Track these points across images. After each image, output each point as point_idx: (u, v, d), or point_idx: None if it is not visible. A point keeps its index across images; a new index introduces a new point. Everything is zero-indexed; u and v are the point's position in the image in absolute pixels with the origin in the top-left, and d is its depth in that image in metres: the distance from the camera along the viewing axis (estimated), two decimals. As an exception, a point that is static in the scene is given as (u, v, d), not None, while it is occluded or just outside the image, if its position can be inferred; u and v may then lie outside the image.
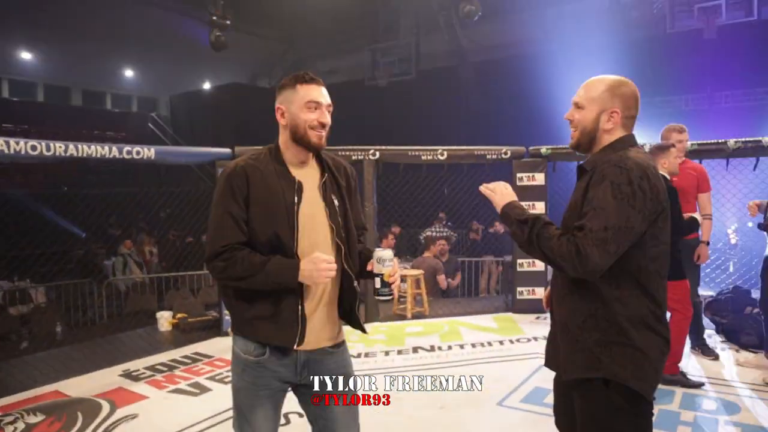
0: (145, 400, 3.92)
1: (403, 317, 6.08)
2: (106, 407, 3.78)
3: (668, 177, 4.04)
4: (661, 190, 1.80)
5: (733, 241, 10.64)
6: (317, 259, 1.86)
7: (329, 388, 2.02)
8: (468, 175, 6.23)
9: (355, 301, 2.08)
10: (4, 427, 3.47)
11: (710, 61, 11.25)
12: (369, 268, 1.99)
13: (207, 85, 21.80)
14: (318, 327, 1.98)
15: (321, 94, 1.98)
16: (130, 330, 6.00)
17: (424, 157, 5.83)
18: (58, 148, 4.17)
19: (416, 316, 6.09)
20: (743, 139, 5.22)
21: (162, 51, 18.52)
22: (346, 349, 2.13)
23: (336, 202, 2.02)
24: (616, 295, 1.78)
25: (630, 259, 1.76)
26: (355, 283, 2.04)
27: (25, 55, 19.34)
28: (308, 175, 2.02)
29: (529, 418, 3.56)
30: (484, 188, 2.05)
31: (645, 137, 5.49)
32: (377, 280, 1.94)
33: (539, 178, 6.00)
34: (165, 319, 5.78)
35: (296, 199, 1.93)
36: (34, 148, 4.03)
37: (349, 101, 15.67)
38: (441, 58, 14.97)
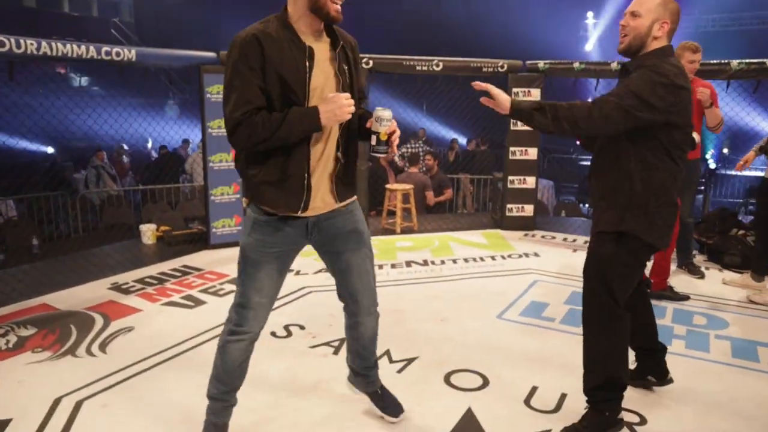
0: (139, 313, 3.83)
1: (392, 232, 6.04)
2: (99, 320, 3.69)
3: None
4: (686, 88, 2.17)
5: (711, 166, 10.82)
6: (336, 97, 1.93)
7: (339, 242, 2.19)
8: (449, 91, 6.04)
9: (354, 170, 2.21)
10: (-4, 340, 3.36)
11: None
12: (368, 125, 2.07)
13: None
14: (323, 192, 2.09)
15: None
16: (111, 243, 5.83)
17: (418, 68, 5.59)
18: (30, 45, 3.81)
19: (405, 231, 6.06)
20: (747, 61, 5.11)
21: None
22: (357, 207, 2.26)
23: (346, 72, 2.08)
24: (640, 173, 2.22)
25: (656, 140, 2.19)
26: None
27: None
28: (321, 45, 2.03)
29: (528, 330, 3.61)
30: (480, 85, 2.22)
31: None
32: (374, 138, 2.06)
33: (535, 93, 5.84)
34: (149, 232, 5.60)
35: (308, 65, 1.96)
36: (2, 44, 3.67)
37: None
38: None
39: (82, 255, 5.23)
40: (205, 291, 4.24)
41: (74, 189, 9.40)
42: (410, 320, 3.71)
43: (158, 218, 7.52)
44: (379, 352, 3.05)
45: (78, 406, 2.66)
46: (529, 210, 6.15)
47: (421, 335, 3.48)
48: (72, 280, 4.43)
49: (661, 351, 2.78)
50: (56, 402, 2.68)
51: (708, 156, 11.46)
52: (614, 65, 5.45)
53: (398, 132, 2.07)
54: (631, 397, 2.72)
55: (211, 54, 4.92)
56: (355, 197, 2.24)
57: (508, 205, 6.15)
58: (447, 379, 2.93)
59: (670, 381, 2.79)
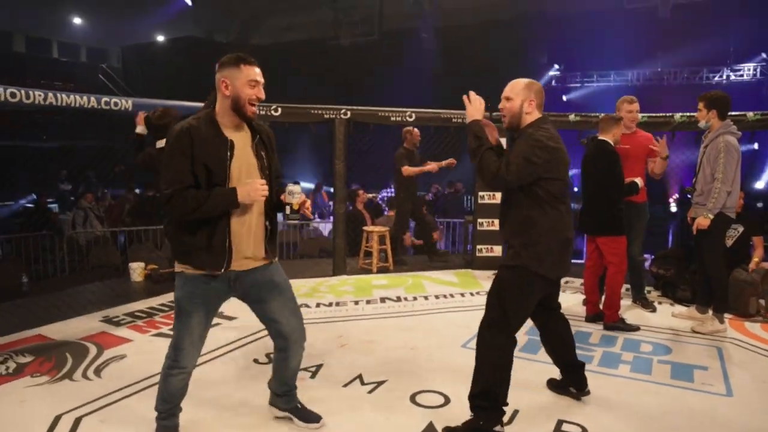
0: (130, 342, 4.11)
1: (368, 271, 6.39)
2: (93, 349, 3.96)
3: (612, 144, 4.50)
4: (558, 149, 2.72)
5: (673, 209, 11.41)
6: (252, 182, 2.42)
7: (262, 292, 2.63)
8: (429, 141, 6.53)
9: (275, 235, 2.67)
10: (-4, 366, 3.62)
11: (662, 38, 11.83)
12: (282, 197, 2.57)
13: (161, 38, 21.07)
14: (244, 253, 2.53)
15: (259, 74, 2.49)
16: (101, 280, 6.09)
17: (393, 118, 6.06)
18: (38, 96, 4.20)
19: (381, 270, 6.41)
20: (688, 114, 5.67)
21: (112, 0, 17.81)
22: (277, 265, 2.71)
23: (264, 158, 2.57)
24: (532, 218, 2.73)
25: (541, 190, 2.71)
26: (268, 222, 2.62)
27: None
28: (241, 137, 2.52)
29: (490, 358, 3.95)
30: (467, 98, 2.87)
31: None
32: (287, 208, 2.57)
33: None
34: (138, 269, 5.89)
35: (229, 155, 2.44)
36: (13, 95, 4.05)
37: (311, 59, 15.68)
38: (405, 20, 15.01)
39: (74, 291, 5.51)
40: (191, 323, 4.53)
41: (59, 229, 9.64)
42: (382, 349, 4.05)
43: (145, 258, 7.81)
44: (351, 376, 3.43)
45: (77, 421, 2.93)
46: (497, 250, 6.56)
47: (391, 362, 3.80)
48: (65, 314, 4.70)
49: (580, 367, 3.24)
50: (57, 418, 2.95)
51: (671, 200, 12.06)
52: (572, 117, 5.99)
53: (308, 202, 2.59)
54: (574, 410, 3.08)
55: (200, 104, 5.35)
56: (276, 257, 2.70)
57: (478, 246, 6.57)
58: (413, 398, 3.25)
59: (588, 393, 3.26)
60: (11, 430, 2.82)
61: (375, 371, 3.60)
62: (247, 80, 2.44)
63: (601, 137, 4.59)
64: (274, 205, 2.62)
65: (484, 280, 6.16)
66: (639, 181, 4.65)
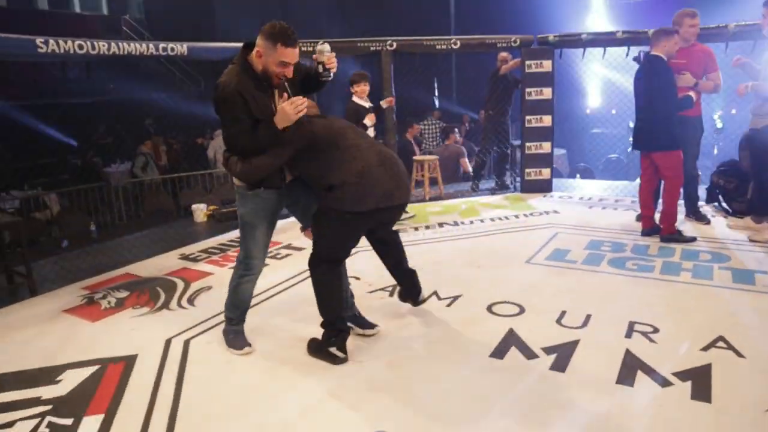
0: (212, 275, 4.39)
1: (421, 200, 6.56)
2: (180, 283, 4.26)
3: (665, 59, 4.45)
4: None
5: (719, 125, 11.19)
6: (281, 108, 2.66)
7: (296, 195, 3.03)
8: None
9: None
10: (99, 302, 3.94)
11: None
12: (313, 57, 2.78)
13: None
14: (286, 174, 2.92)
15: (293, 54, 2.64)
16: (163, 224, 6.40)
17: (438, 47, 6.05)
18: (102, 46, 4.34)
19: (433, 198, 6.58)
20: (743, 23, 5.51)
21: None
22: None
23: (287, 90, 2.81)
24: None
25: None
26: None
27: (-17, -45, 18.12)
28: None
29: (554, 270, 4.14)
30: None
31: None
32: (320, 66, 2.78)
33: (546, 65, 6.30)
34: (200, 211, 6.16)
35: (272, 101, 2.77)
36: (81, 47, 4.20)
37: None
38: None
39: (143, 235, 5.82)
40: (264, 256, 4.79)
41: (107, 181, 10.00)
42: (449, 268, 4.26)
43: (198, 201, 8.11)
44: (427, 292, 3.61)
45: (187, 343, 3.23)
46: (546, 173, 6.64)
47: (461, 278, 4.02)
48: (144, 254, 5.01)
49: (410, 277, 3.42)
50: (168, 341, 3.25)
51: (716, 117, 11.79)
52: (619, 34, 5.89)
53: (335, 61, 2.81)
54: (644, 312, 3.26)
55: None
56: None
57: (527, 170, 6.65)
58: (489, 309, 3.47)
59: (423, 302, 3.47)
60: (130, 352, 3.13)
61: (448, 287, 3.82)
62: (278, 60, 2.63)
63: (653, 52, 4.55)
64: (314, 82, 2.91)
65: (534, 201, 6.28)
66: (693, 95, 4.62)
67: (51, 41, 4.01)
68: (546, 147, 6.55)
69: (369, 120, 4.95)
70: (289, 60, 2.65)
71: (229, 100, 2.66)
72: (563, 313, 3.37)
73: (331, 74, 2.82)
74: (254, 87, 2.69)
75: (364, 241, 4.93)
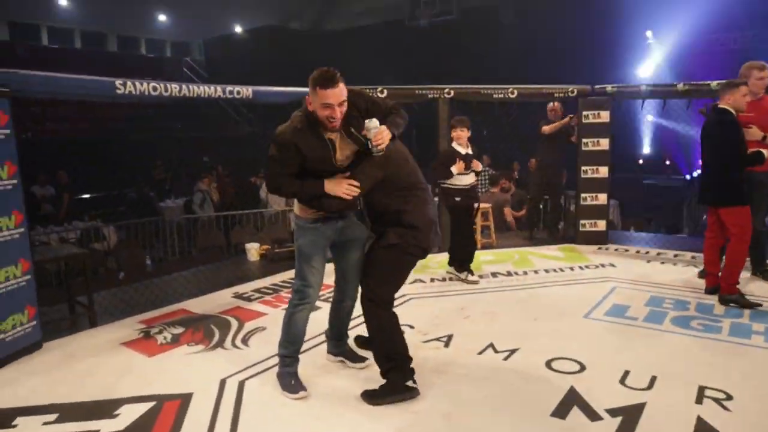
0: (266, 316, 4.42)
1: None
2: (234, 322, 4.29)
3: (733, 112, 4.33)
4: None
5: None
6: (341, 180, 2.81)
7: (354, 243, 3.13)
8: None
9: None
10: (155, 336, 4.00)
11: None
12: (362, 132, 2.77)
13: (239, 29, 21.76)
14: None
15: (334, 95, 2.65)
16: (217, 261, 6.52)
17: (495, 95, 6.09)
18: (174, 89, 4.54)
19: (485, 247, 6.50)
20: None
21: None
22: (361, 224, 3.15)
23: (356, 135, 2.81)
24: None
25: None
26: None
27: (62, 2, 19.49)
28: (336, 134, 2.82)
29: (614, 327, 4.00)
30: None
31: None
32: (368, 142, 2.75)
33: (604, 116, 6.24)
34: (254, 250, 6.26)
35: (332, 152, 2.81)
36: (155, 89, 4.40)
37: (390, 42, 15.79)
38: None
39: (198, 271, 5.93)
40: (316, 298, 4.79)
41: (161, 216, 10.31)
42: (505, 319, 4.16)
43: (248, 239, 8.26)
44: (483, 345, 3.54)
45: (241, 384, 3.22)
46: (601, 225, 6.49)
47: (518, 331, 3.91)
48: (200, 290, 5.10)
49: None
50: (223, 382, 3.26)
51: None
52: (680, 86, 5.81)
53: (385, 134, 2.75)
54: (716, 376, 3.09)
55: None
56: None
57: (581, 221, 6.52)
58: (548, 365, 3.36)
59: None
60: (186, 390, 3.15)
61: (505, 340, 3.72)
62: (321, 103, 2.67)
63: (721, 105, 4.45)
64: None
65: (589, 254, 6.13)
66: (765, 152, 4.47)
67: (129, 83, 4.22)
68: (602, 198, 6.42)
69: (456, 168, 5.00)
70: (331, 101, 2.66)
71: (281, 147, 2.77)
72: (626, 372, 3.23)
73: (381, 150, 2.77)
74: (311, 134, 2.76)
75: (415, 288, 4.92)
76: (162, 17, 21.97)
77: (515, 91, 6.14)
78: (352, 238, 3.11)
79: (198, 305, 4.74)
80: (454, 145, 5.11)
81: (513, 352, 3.56)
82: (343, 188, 2.79)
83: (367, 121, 2.73)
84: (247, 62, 18.64)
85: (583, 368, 3.31)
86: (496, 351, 3.58)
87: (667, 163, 14.69)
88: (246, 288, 5.21)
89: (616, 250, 6.33)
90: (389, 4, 16.86)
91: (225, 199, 10.48)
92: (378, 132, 2.74)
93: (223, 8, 19.94)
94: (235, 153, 14.89)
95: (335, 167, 2.85)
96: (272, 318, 4.35)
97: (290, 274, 5.69)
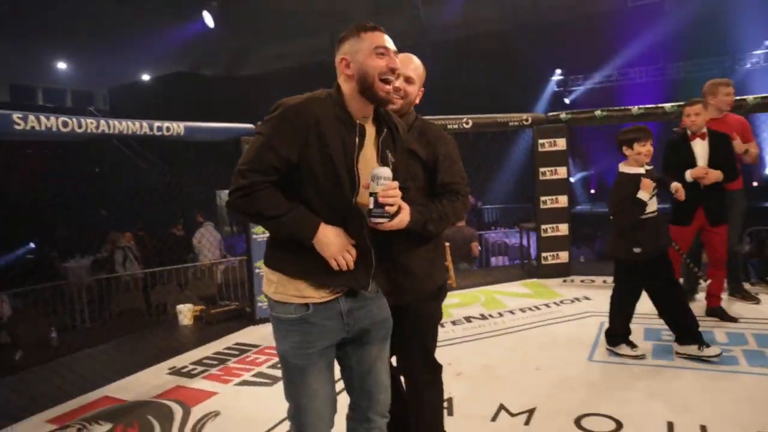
0: (217, 395, 3.59)
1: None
2: (177, 408, 3.43)
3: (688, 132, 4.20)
4: None
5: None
6: (345, 242, 1.78)
7: (373, 333, 1.93)
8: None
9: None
10: (74, 439, 3.09)
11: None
12: (365, 185, 1.78)
13: (146, 77, 20.67)
14: (356, 278, 1.85)
15: (387, 39, 1.83)
16: (140, 329, 5.53)
17: (449, 126, 5.69)
18: (90, 124, 3.77)
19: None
20: (761, 96, 5.36)
21: (95, 42, 17.47)
22: (382, 294, 2.02)
23: (391, 158, 1.87)
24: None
25: None
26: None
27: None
28: (367, 130, 1.85)
29: (626, 369, 3.55)
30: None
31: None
32: (371, 200, 1.73)
33: (560, 144, 6.00)
34: (188, 311, 5.37)
35: (357, 143, 1.78)
36: (65, 124, 3.62)
37: (313, 84, 15.36)
38: (402, 38, 14.80)
39: (119, 343, 4.97)
40: (274, 366, 4.02)
41: (64, 278, 9.06)
42: (505, 373, 3.60)
43: (173, 300, 7.29)
44: (493, 407, 2.97)
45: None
46: (564, 257, 6.18)
47: (526, 385, 3.36)
48: (126, 369, 4.16)
49: None
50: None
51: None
52: (635, 110, 5.68)
53: (394, 194, 1.75)
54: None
55: (249, 125, 4.92)
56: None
57: (543, 254, 6.17)
58: (578, 424, 2.81)
59: None
60: None
61: (516, 398, 3.15)
62: (372, 48, 1.78)
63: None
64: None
65: (557, 288, 5.75)
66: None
67: (31, 117, 3.42)
68: (563, 229, 6.12)
69: (646, 191, 3.45)
70: (384, 43, 1.80)
71: (285, 120, 1.74)
72: (671, 425, 2.74)
73: (388, 215, 1.76)
74: (341, 113, 1.79)
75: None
76: (61, 65, 20.46)
77: (470, 121, 5.78)
78: (369, 324, 1.93)
79: (125, 389, 3.81)
80: (627, 168, 4.42)
81: (531, 412, 2.99)
82: (342, 252, 1.77)
83: (374, 168, 1.75)
84: (156, 110, 17.61)
85: (620, 425, 2.79)
86: (511, 414, 2.99)
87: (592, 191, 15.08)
88: (184, 360, 4.33)
89: (582, 281, 5.99)
90: (308, 48, 16.56)
91: (144, 254, 9.38)
92: (391, 185, 1.75)
93: (129, 55, 18.84)
94: (146, 202, 13.68)
95: (353, 173, 1.77)
96: (225, 398, 3.54)
97: (235, 337, 4.91)
